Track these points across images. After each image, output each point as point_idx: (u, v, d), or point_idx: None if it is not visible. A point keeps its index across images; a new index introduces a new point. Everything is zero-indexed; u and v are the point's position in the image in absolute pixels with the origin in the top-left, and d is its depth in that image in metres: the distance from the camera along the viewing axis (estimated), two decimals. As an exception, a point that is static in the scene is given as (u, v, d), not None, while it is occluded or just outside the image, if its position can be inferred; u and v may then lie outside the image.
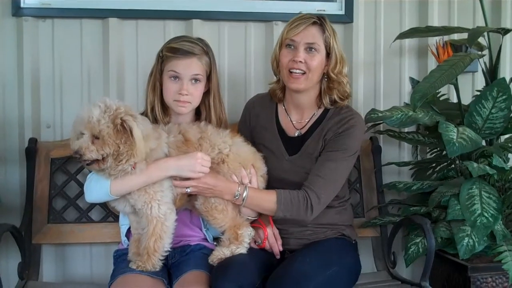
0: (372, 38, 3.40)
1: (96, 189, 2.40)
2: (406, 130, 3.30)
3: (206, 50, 2.64)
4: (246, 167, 2.56)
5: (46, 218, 3.02)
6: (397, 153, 3.45)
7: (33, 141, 3.05)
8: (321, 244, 2.58)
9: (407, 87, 3.44)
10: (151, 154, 2.37)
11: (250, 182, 2.55)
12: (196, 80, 2.60)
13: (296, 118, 2.73)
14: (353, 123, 2.62)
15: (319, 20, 2.58)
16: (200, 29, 3.20)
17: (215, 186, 2.46)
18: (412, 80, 3.43)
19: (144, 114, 2.61)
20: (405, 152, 3.45)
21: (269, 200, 2.50)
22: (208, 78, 2.66)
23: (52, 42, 3.18)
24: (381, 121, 3.07)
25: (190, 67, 2.58)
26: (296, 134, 2.69)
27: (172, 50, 2.59)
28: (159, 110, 2.64)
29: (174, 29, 3.23)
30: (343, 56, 2.65)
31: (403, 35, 3.20)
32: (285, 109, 2.76)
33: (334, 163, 2.56)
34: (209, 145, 2.52)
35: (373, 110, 3.04)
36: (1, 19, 3.12)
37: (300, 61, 2.55)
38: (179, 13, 3.23)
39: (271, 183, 2.67)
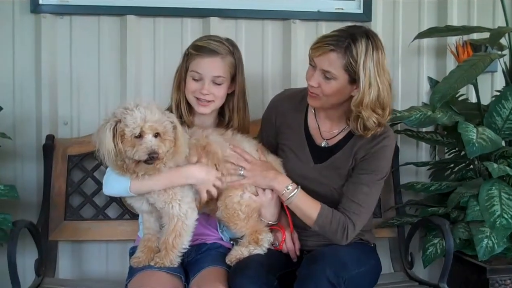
0: (391, 37, 3.38)
1: (116, 183, 2.39)
2: (424, 130, 3.29)
3: (232, 50, 2.60)
4: None
5: (63, 215, 3.03)
6: (415, 153, 3.44)
7: (50, 138, 3.07)
8: (341, 246, 2.49)
9: (426, 87, 3.43)
10: (174, 157, 2.38)
11: (272, 196, 2.52)
12: (217, 82, 2.58)
13: (325, 128, 2.61)
14: (386, 142, 2.50)
15: (346, 43, 2.33)
16: (217, 27, 3.21)
17: (267, 171, 2.46)
18: (430, 80, 3.42)
19: (169, 110, 2.58)
20: (423, 152, 3.44)
21: (313, 210, 2.45)
22: (233, 79, 2.63)
23: (70, 39, 3.19)
24: (399, 121, 3.05)
25: (212, 67, 2.55)
26: (322, 144, 2.60)
27: (197, 48, 2.57)
28: (184, 108, 2.63)
29: (192, 26, 3.24)
30: (379, 86, 2.36)
31: (422, 35, 3.19)
32: (315, 115, 2.64)
33: (368, 188, 2.47)
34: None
35: (392, 110, 3.00)
36: (19, 16, 3.14)
37: (313, 86, 2.43)
38: (197, 11, 3.23)
39: None
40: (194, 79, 2.57)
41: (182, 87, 2.63)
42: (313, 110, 2.62)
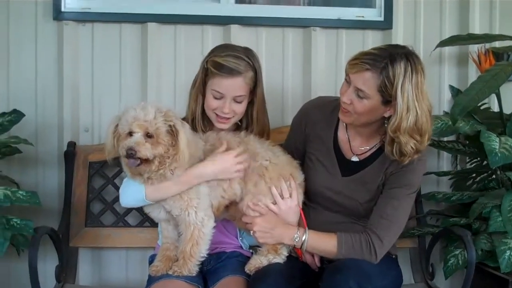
0: (411, 45, 3.26)
1: (132, 193, 2.39)
2: (445, 139, 3.27)
3: (252, 63, 2.55)
4: (285, 178, 2.51)
5: (84, 222, 3.05)
6: (436, 162, 3.41)
7: (71, 145, 3.09)
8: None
9: (447, 95, 3.41)
10: (189, 161, 2.37)
11: (290, 196, 2.49)
12: (238, 101, 2.55)
13: (356, 143, 2.54)
14: (418, 157, 2.40)
15: (383, 64, 2.25)
16: (238, 35, 3.22)
17: (273, 229, 2.42)
18: (452, 88, 3.39)
19: (186, 120, 2.55)
20: (444, 162, 3.42)
21: (329, 244, 2.40)
22: (252, 90, 2.60)
23: (91, 46, 3.23)
24: None
25: (234, 88, 2.51)
26: (352, 159, 2.54)
27: (217, 66, 2.50)
28: (199, 120, 2.61)
29: (213, 34, 3.25)
30: (417, 111, 2.27)
31: (443, 43, 3.17)
32: (346, 128, 2.57)
33: (397, 201, 2.41)
34: (250, 156, 2.48)
35: (431, 136, 2.94)
36: (42, 23, 3.18)
37: (345, 102, 2.36)
38: (217, 18, 3.25)
39: (314, 197, 2.59)
40: (215, 98, 2.53)
41: (199, 100, 2.60)
42: (344, 124, 2.56)
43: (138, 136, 2.25)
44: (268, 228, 2.42)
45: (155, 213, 2.47)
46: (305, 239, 2.41)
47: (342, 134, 2.58)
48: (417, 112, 2.27)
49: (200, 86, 2.58)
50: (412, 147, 2.31)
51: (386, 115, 2.34)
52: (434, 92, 3.38)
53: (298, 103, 3.06)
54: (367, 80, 2.28)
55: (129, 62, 3.25)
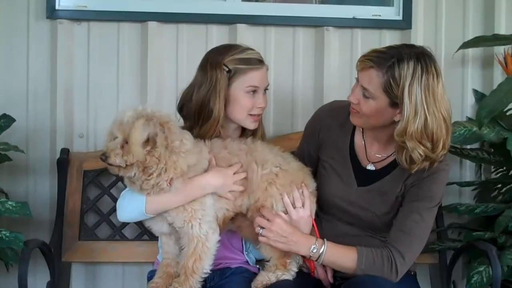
0: (432, 47, 2.95)
1: (130, 207, 2.39)
2: (469, 147, 3.25)
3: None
4: (298, 185, 2.50)
5: (77, 235, 3.04)
6: (458, 172, 3.40)
7: (65, 152, 3.09)
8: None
9: (471, 100, 3.41)
10: (190, 171, 2.35)
11: (303, 206, 2.47)
12: (266, 90, 2.61)
13: (373, 150, 2.54)
14: (440, 167, 2.40)
15: (390, 63, 2.26)
16: (244, 35, 3.23)
17: (291, 234, 2.38)
18: (476, 92, 3.40)
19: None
20: (467, 171, 3.41)
21: (348, 258, 2.38)
22: None
23: (87, 46, 3.23)
24: None
25: (264, 77, 2.57)
26: (368, 167, 2.53)
27: (245, 62, 2.53)
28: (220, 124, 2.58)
29: (217, 34, 3.26)
30: (427, 116, 2.25)
31: (467, 45, 3.18)
32: (362, 134, 2.56)
33: (419, 215, 2.39)
34: (259, 164, 2.47)
35: (447, 145, 2.93)
36: (35, 22, 3.18)
37: (353, 102, 2.39)
38: (223, 17, 3.25)
39: (327, 208, 2.59)
40: (250, 93, 2.55)
41: (219, 109, 2.52)
42: (361, 129, 2.56)
43: (117, 140, 2.25)
44: (286, 232, 2.38)
45: (157, 227, 2.47)
46: (323, 251, 2.38)
47: (358, 140, 2.57)
48: (426, 117, 2.25)
49: (220, 95, 2.52)
50: (420, 154, 2.29)
51: (396, 119, 2.33)
52: (457, 96, 3.39)
53: (309, 108, 3.16)
54: (372, 79, 2.29)
55: (128, 64, 3.25)
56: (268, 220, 2.40)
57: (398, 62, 2.25)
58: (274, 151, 2.55)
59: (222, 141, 2.52)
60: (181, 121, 2.61)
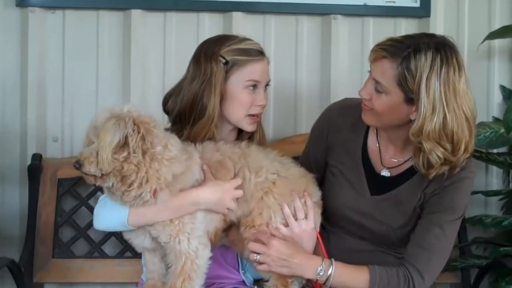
0: (454, 37, 2.97)
1: (111, 216, 2.32)
2: (495, 151, 3.21)
3: None
4: (299, 194, 2.44)
5: (51, 252, 3.01)
6: (483, 179, 3.35)
7: (37, 158, 3.05)
8: None
9: (497, 98, 3.37)
10: (177, 181, 2.28)
11: (306, 217, 2.40)
12: (267, 86, 2.56)
13: (388, 153, 2.48)
14: (464, 174, 2.35)
15: (406, 53, 2.22)
16: (241, 24, 3.18)
17: (292, 256, 2.31)
18: (503, 89, 3.35)
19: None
20: (494, 179, 3.37)
21: (360, 279, 2.33)
22: None
23: (62, 37, 3.18)
24: None
25: (265, 71, 2.53)
26: (383, 173, 2.47)
27: (243, 53, 2.49)
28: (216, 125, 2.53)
29: (210, 23, 3.21)
30: (446, 113, 2.20)
31: (493, 35, 3.14)
32: (376, 135, 2.52)
33: (440, 229, 2.33)
34: (252, 171, 2.40)
35: (470, 148, 2.89)
36: (3, 10, 3.14)
37: (364, 97, 2.35)
38: (216, 4, 3.21)
39: (335, 220, 2.54)
40: (250, 88, 2.50)
41: (214, 106, 2.46)
42: (375, 130, 2.52)
43: (92, 147, 2.19)
44: (286, 255, 2.32)
45: (138, 241, 2.39)
46: (331, 273, 2.32)
47: (372, 143, 2.53)
48: (445, 115, 2.20)
49: (216, 90, 2.47)
50: (438, 156, 2.23)
51: (412, 117, 2.28)
52: (482, 93, 3.32)
53: (314, 108, 3.12)
54: (385, 71, 2.25)
55: (108, 57, 3.22)
56: (263, 243, 2.35)
57: (415, 52, 2.20)
58: (271, 156, 2.49)
59: (215, 144, 2.47)
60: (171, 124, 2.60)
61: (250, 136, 2.60)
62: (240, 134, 2.62)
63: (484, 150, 3.10)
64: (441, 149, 2.22)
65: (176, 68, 3.12)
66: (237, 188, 2.37)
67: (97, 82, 3.20)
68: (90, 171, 2.16)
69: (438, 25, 3.26)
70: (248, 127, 2.53)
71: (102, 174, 2.16)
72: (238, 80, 2.48)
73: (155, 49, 3.21)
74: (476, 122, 2.87)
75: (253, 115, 2.52)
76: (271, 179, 2.40)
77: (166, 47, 3.21)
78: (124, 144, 2.15)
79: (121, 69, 3.19)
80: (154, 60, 3.21)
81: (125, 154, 2.14)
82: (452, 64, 2.20)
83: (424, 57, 2.18)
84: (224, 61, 2.46)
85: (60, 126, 3.18)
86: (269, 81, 2.56)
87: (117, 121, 2.15)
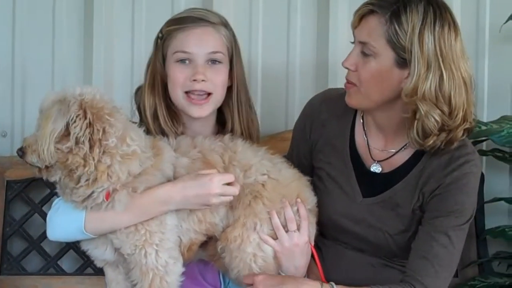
0: (473, 18, 3.24)
1: (66, 221, 2.28)
2: None
3: (225, 22, 2.50)
4: (291, 201, 2.39)
5: None
6: (507, 184, 3.25)
7: None
8: None
9: None
10: (138, 181, 2.22)
11: (298, 229, 2.37)
12: (215, 60, 2.45)
13: (378, 145, 2.46)
14: (468, 168, 2.32)
15: (395, 7, 2.25)
16: (223, 2, 3.14)
17: (282, 284, 2.28)
18: None
19: (143, 127, 2.41)
20: None
21: None
22: (230, 63, 2.51)
23: (12, 18, 3.17)
24: (486, 138, 2.94)
25: (205, 40, 2.44)
26: (373, 168, 2.45)
27: (175, 22, 2.45)
28: (164, 116, 2.50)
29: (186, 1, 3.14)
30: (443, 71, 2.22)
31: None
32: (363, 126, 2.49)
33: (446, 236, 2.30)
34: (241, 169, 2.35)
35: (469, 115, 2.69)
36: None
37: (349, 68, 2.35)
38: None
39: (327, 230, 2.50)
40: (180, 62, 2.44)
41: (158, 87, 2.50)
42: (361, 119, 2.50)
43: (37, 133, 2.17)
44: (276, 285, 2.30)
45: (98, 252, 2.34)
46: None
47: (359, 135, 2.51)
48: (442, 73, 2.21)
49: (157, 63, 2.50)
50: (436, 120, 2.22)
51: (403, 85, 2.25)
52: (504, 83, 3.24)
53: (309, 95, 2.94)
54: (373, 29, 2.25)
55: (66, 37, 3.17)
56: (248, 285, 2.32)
57: (405, 6, 2.23)
58: (260, 153, 2.44)
59: (192, 138, 2.43)
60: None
61: (231, 130, 2.56)
62: (223, 130, 2.57)
63: (507, 150, 3.06)
64: (438, 110, 2.22)
65: (146, 48, 2.94)
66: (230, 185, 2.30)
67: (53, 66, 3.17)
68: (33, 161, 2.15)
69: (455, 4, 3.11)
70: (190, 110, 2.45)
71: (46, 166, 2.15)
72: (170, 55, 2.47)
73: (122, 28, 3.18)
74: (498, 118, 2.95)
75: (191, 96, 2.44)
76: (261, 181, 2.36)
77: (135, 26, 3.18)
78: (68, 132, 2.12)
79: (81, 50, 3.17)
80: (121, 37, 3.18)
81: (69, 144, 2.11)
82: (447, 19, 2.23)
83: (416, 9, 2.21)
84: (160, 35, 2.50)
85: (10, 118, 3.17)
86: (215, 52, 2.46)
87: (63, 106, 2.12)
